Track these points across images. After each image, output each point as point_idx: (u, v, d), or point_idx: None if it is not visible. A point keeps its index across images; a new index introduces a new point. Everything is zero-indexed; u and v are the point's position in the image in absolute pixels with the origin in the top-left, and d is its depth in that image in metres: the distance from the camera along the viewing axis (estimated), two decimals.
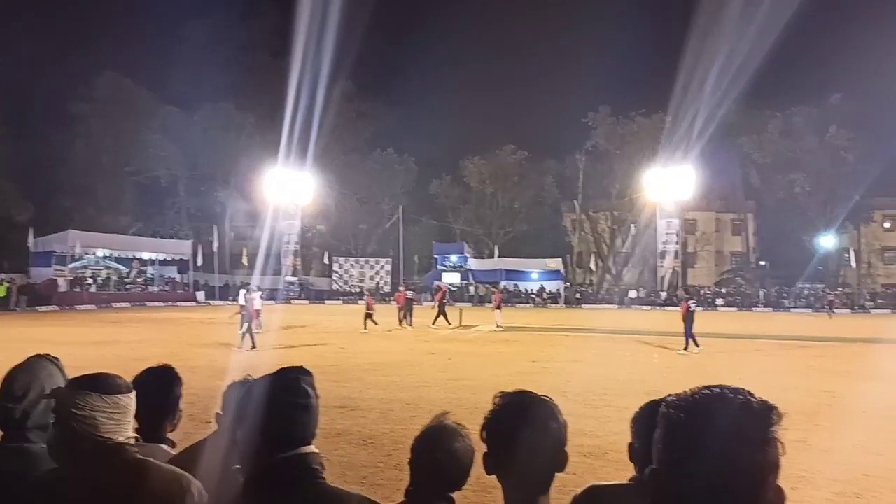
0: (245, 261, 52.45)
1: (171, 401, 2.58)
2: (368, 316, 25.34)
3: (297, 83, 41.98)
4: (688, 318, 18.72)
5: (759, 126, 55.41)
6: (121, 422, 1.95)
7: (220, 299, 47.88)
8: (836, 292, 49.63)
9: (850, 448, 7.44)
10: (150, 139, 54.09)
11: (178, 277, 51.20)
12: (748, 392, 1.14)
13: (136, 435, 2.02)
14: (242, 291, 21.53)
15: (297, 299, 51.78)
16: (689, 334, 18.53)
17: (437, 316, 27.61)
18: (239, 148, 58.00)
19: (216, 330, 24.35)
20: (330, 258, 57.77)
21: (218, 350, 17.72)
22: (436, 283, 47.18)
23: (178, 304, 45.36)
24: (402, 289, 30.29)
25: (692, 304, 19.43)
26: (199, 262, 49.67)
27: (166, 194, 58.08)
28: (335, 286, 56.42)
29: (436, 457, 2.00)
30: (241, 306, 20.51)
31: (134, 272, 48.45)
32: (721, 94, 43.74)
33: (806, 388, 12.35)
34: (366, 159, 62.09)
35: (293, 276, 54.58)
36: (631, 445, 2.03)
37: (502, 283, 55.47)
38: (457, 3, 73.11)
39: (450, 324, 27.11)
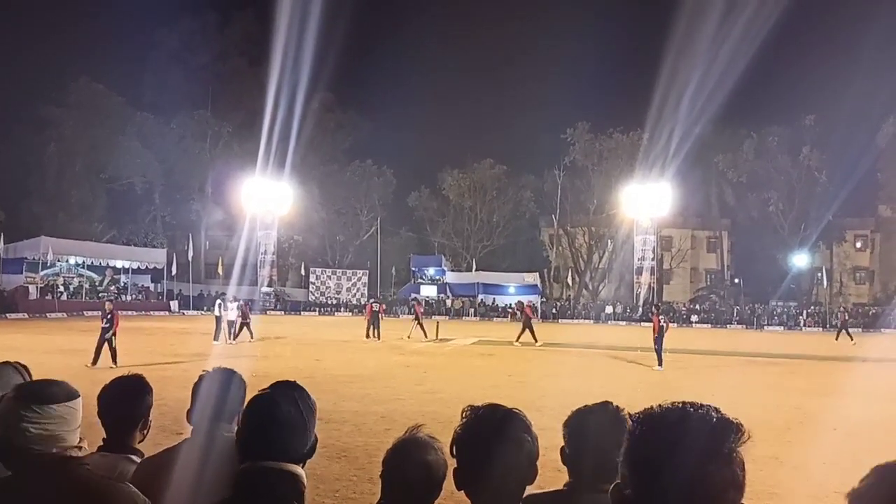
0: (220, 270, 51.96)
1: (141, 410, 2.52)
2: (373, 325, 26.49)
3: (276, 92, 41.94)
4: (658, 334, 18.81)
5: (734, 145, 56.35)
6: (56, 432, 1.87)
7: (195, 309, 47.32)
8: (808, 310, 50.13)
9: (820, 464, 7.51)
10: (124, 146, 53.45)
11: (151, 286, 50.57)
12: (712, 408, 1.15)
13: (79, 445, 1.94)
14: (218, 301, 21.44)
15: (273, 310, 51.35)
16: (658, 351, 18.63)
17: (413, 328, 27.60)
18: (215, 156, 57.61)
19: (190, 340, 24.03)
20: (307, 269, 57.44)
21: (191, 361, 17.49)
22: (413, 295, 47.09)
23: (151, 313, 44.76)
24: (371, 301, 30.26)
25: (662, 319, 19.52)
26: (174, 271, 49.12)
27: (141, 202, 57.39)
28: (312, 297, 56.06)
29: (407, 470, 1.97)
30: (217, 317, 20.46)
31: (107, 280, 47.72)
32: (697, 113, 44.51)
33: (777, 404, 12.47)
34: (344, 170, 61.98)
35: (269, 286, 54.16)
36: (562, 450, 2.01)
37: (480, 297, 55.60)
38: (437, 17, 73.45)
39: (426, 337, 27.05)
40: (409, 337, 26.87)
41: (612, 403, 2.04)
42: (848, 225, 60.88)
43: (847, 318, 38.76)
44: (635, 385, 15.18)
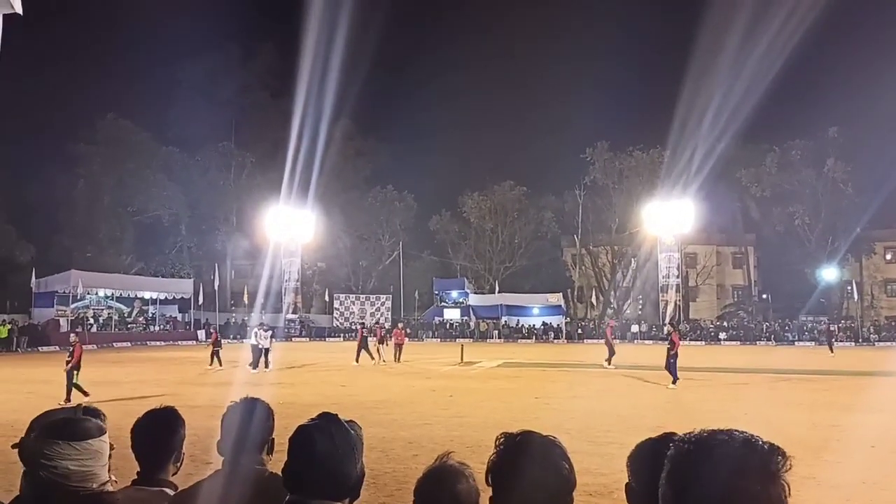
0: (246, 298, 52.39)
1: (174, 443, 2.51)
2: (397, 347, 27.12)
3: (299, 123, 42.52)
4: (672, 351, 18.60)
5: (756, 160, 55.86)
6: (93, 468, 1.87)
7: (222, 338, 47.64)
8: (839, 324, 49.29)
9: (858, 484, 7.33)
10: (151, 179, 54.49)
11: (179, 316, 51.04)
12: (756, 434, 1.17)
13: (111, 479, 1.94)
14: (255, 330, 22.88)
15: (298, 336, 51.57)
16: (672, 368, 18.42)
17: (396, 352, 27.40)
18: (240, 187, 58.43)
19: (217, 369, 24.18)
20: (330, 295, 57.71)
21: (218, 389, 17.59)
22: (361, 320, 46.16)
23: (179, 342, 45.15)
24: (361, 325, 30.69)
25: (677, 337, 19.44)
26: (201, 300, 49.61)
27: (167, 233, 58.26)
28: (336, 323, 56.25)
29: (440, 500, 1.96)
30: (253, 345, 21.21)
31: (135, 311, 48.35)
32: (719, 129, 44.19)
33: (812, 422, 12.22)
34: (365, 196, 62.48)
35: (294, 313, 54.44)
36: (628, 486, 1.94)
37: (504, 319, 55.35)
38: (455, 42, 74.34)
39: (384, 361, 26.66)
40: (381, 362, 26.47)
41: (674, 433, 1.98)
42: (877, 237, 59.81)
43: (835, 330, 42.55)
44: (664, 405, 14.97)
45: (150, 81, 63.89)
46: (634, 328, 52.93)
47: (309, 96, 40.66)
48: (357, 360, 26.01)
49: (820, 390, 18.06)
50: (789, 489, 1.13)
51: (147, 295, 49.07)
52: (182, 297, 49.89)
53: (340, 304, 57.51)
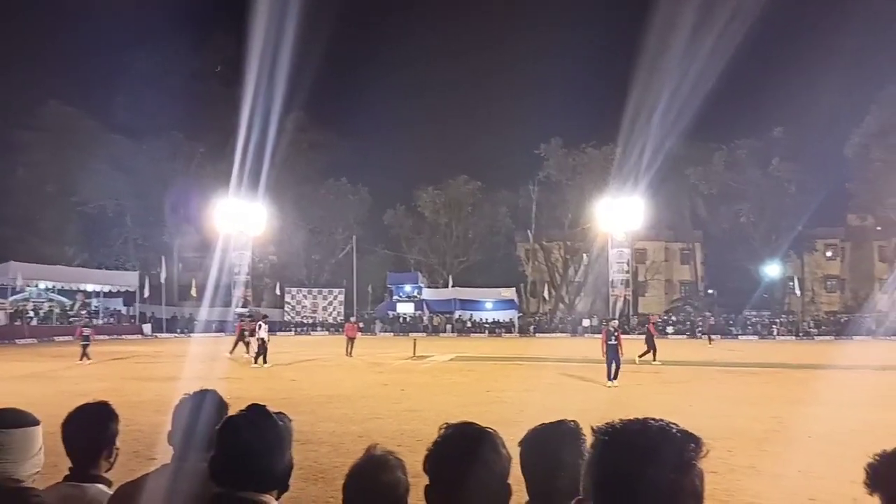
0: (194, 292, 51.37)
1: (105, 438, 2.47)
2: (349, 341, 26.90)
3: (250, 112, 41.70)
4: (609, 348, 17.73)
5: (705, 158, 57.21)
6: (16, 461, 1.80)
7: (168, 332, 46.66)
8: (709, 317, 51.03)
9: (796, 473, 7.56)
10: (96, 169, 52.80)
11: (123, 310, 49.79)
12: (672, 422, 1.19)
13: (37, 471, 1.87)
14: (259, 323, 23.95)
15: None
16: (615, 364, 17.61)
17: (235, 345, 26.95)
18: (188, 177, 57.12)
19: (163, 363, 23.69)
20: (282, 289, 57.02)
21: (165, 384, 17.21)
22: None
23: (123, 337, 44.04)
24: (241, 321, 29.94)
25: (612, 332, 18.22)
26: (146, 293, 48.45)
27: (113, 225, 56.64)
28: (287, 317, 55.61)
29: (366, 491, 1.96)
30: (261, 339, 23.09)
31: (78, 305, 46.95)
32: (668, 128, 45.10)
33: (755, 414, 12.56)
34: (319, 189, 61.80)
35: (244, 307, 53.61)
36: (521, 469, 2.00)
37: (457, 313, 55.52)
38: (411, 36, 74.01)
39: (248, 354, 26.25)
40: (241, 357, 26.07)
41: (568, 420, 2.03)
42: (818, 234, 61.91)
43: (713, 322, 45.59)
44: (613, 398, 15.22)
45: (96, 67, 61.89)
46: (585, 322, 53.66)
47: (260, 86, 39.96)
48: (231, 352, 26.10)
49: (762, 383, 18.59)
50: (703, 476, 1.15)
51: (90, 288, 47.71)
52: (127, 290, 48.69)
53: (292, 298, 56.86)
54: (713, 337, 39.25)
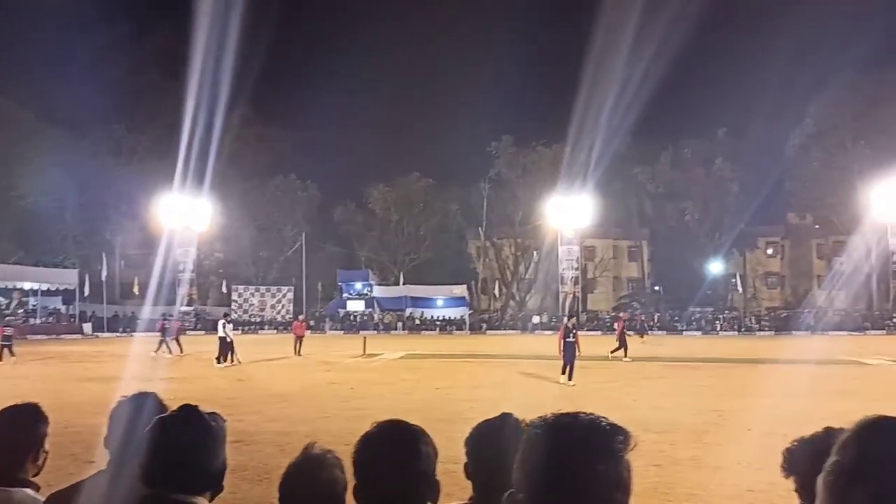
0: (136, 290, 50.09)
1: (32, 441, 2.39)
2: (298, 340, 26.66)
3: (194, 106, 40.72)
4: (567, 345, 17.26)
5: (651, 158, 58.41)
6: None
7: (109, 331, 45.40)
8: (640, 314, 52.66)
9: (735, 465, 7.75)
10: (34, 162, 50.89)
11: (63, 308, 48.25)
12: (601, 416, 1.22)
13: None
14: (221, 322, 23.51)
15: (193, 330, 49.79)
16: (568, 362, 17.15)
17: (297, 345, 27.07)
18: (130, 172, 55.54)
19: (104, 363, 23.02)
20: (228, 287, 55.99)
21: (105, 385, 16.72)
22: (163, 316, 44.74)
23: (62, 336, 42.65)
24: (163, 318, 29.81)
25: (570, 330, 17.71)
26: (87, 292, 47.02)
27: (51, 221, 54.63)
28: (234, 315, 54.61)
29: (302, 490, 1.93)
30: (221, 337, 22.61)
31: (14, 303, 45.28)
32: (615, 127, 45.92)
33: (697, 407, 12.86)
34: (266, 185, 60.80)
35: (188, 305, 52.53)
36: (465, 466, 2.02)
37: (408, 310, 55.44)
38: (362, 31, 73.52)
39: (171, 353, 26.37)
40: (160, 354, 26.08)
41: (512, 415, 2.03)
42: (759, 232, 63.79)
43: (646, 320, 47.69)
44: (561, 394, 15.38)
45: (34, 57, 59.49)
46: (536, 319, 54.20)
47: (205, 78, 39.04)
48: (157, 351, 26.04)
49: (705, 377, 19.06)
50: (631, 468, 1.18)
51: (27, 285, 46.12)
52: (66, 289, 47.19)
53: (239, 297, 55.89)
54: (646, 333, 40.66)
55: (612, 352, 24.70)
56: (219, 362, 22.43)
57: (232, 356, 22.74)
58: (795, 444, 1.55)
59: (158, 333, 27.40)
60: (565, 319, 20.60)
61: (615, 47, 41.72)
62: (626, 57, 42.18)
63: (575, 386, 16.49)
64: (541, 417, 1.26)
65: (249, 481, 7.30)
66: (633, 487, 1.20)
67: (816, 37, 51.17)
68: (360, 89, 71.23)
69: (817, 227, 62.30)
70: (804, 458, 1.25)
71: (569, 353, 17.09)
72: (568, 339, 17.27)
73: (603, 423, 1.20)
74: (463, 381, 18.26)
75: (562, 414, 1.24)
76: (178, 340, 27.21)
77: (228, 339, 22.85)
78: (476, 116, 61.23)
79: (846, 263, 51.48)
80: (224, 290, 56.44)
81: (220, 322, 23.88)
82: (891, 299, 50.25)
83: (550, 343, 30.81)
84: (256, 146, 60.34)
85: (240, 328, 50.85)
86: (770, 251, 67.04)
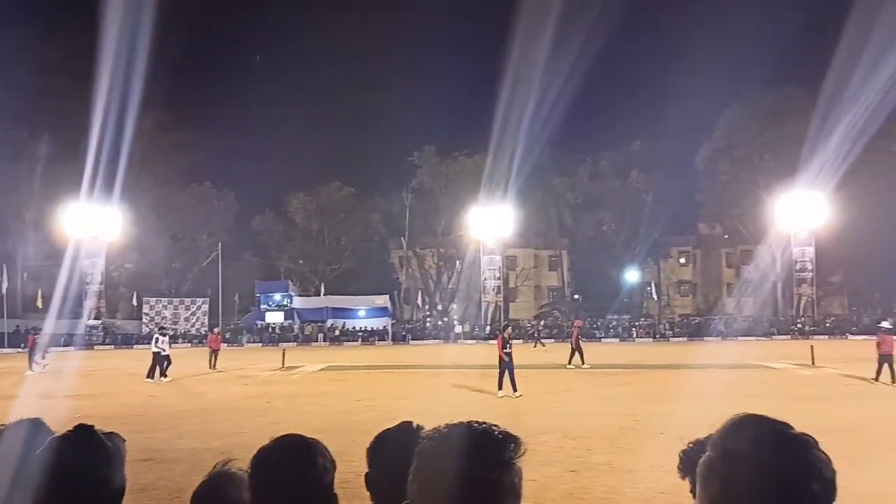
0: (40, 303, 47.49)
1: None
2: (213, 353, 25.73)
3: (104, 109, 38.99)
4: (506, 356, 16.85)
5: (570, 169, 60.00)
6: None
7: (10, 346, 42.86)
8: (537, 323, 54.63)
9: (648, 468, 7.90)
10: None
11: None
12: (494, 424, 1.26)
13: None
14: (156, 336, 22.96)
15: (101, 344, 47.62)
16: (505, 375, 16.75)
17: (212, 359, 26.14)
18: (34, 179, 52.75)
19: (1, 381, 21.67)
20: (139, 299, 53.80)
21: (2, 403, 15.71)
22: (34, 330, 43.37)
23: None
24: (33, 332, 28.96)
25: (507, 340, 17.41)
26: None
27: None
28: (145, 329, 52.48)
29: None
30: (154, 352, 21.89)
31: None
32: (535, 138, 46.94)
33: (613, 412, 13.13)
34: (181, 193, 58.82)
35: (96, 318, 50.20)
36: (367, 476, 1.98)
37: (329, 322, 54.66)
38: (284, 39, 72.40)
39: (42, 369, 25.44)
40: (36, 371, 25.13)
41: (413, 423, 1.98)
42: (672, 242, 66.24)
43: (541, 328, 49.85)
44: (485, 403, 15.41)
45: None
46: (458, 328, 54.41)
47: (116, 80, 37.47)
48: (31, 368, 25.05)
49: (623, 383, 19.52)
50: (521, 474, 1.22)
51: None
52: None
53: (151, 309, 53.72)
54: (544, 341, 42.49)
55: (569, 360, 24.71)
56: (150, 377, 21.66)
57: (164, 371, 21.95)
58: (690, 445, 1.56)
59: (27, 350, 26.21)
60: (502, 329, 19.64)
61: (534, 61, 42.74)
62: (544, 70, 43.31)
63: (521, 396, 15.95)
64: (434, 428, 1.28)
65: (159, 501, 7.08)
66: (550, 493, 1.17)
67: (725, 55, 53.73)
68: (280, 97, 70.12)
69: (726, 237, 65.14)
70: (696, 460, 1.26)
71: (506, 364, 16.64)
72: (506, 350, 16.81)
73: (496, 432, 1.23)
74: (385, 392, 18.07)
75: (455, 424, 1.26)
76: (43, 355, 25.90)
77: (164, 354, 22.14)
78: (398, 126, 61.42)
79: (753, 272, 54.07)
80: (135, 302, 54.20)
81: (155, 336, 23.43)
82: (794, 306, 52.97)
83: (473, 352, 31.04)
84: (171, 152, 58.31)
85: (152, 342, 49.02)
86: (682, 260, 69.62)
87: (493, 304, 55.51)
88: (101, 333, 49.73)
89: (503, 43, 44.36)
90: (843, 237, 48.75)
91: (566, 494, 6.83)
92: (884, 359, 18.05)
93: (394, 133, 62.02)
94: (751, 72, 50.66)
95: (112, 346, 47.49)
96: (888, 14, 37.60)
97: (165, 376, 21.84)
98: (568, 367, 24.43)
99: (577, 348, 24.90)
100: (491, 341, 41.95)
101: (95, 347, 45.29)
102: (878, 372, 18.12)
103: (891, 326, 21.27)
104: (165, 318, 52.96)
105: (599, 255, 61.33)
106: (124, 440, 1.81)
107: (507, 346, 16.96)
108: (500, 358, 16.78)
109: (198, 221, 58.99)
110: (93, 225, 48.50)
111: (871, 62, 39.52)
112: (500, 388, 16.42)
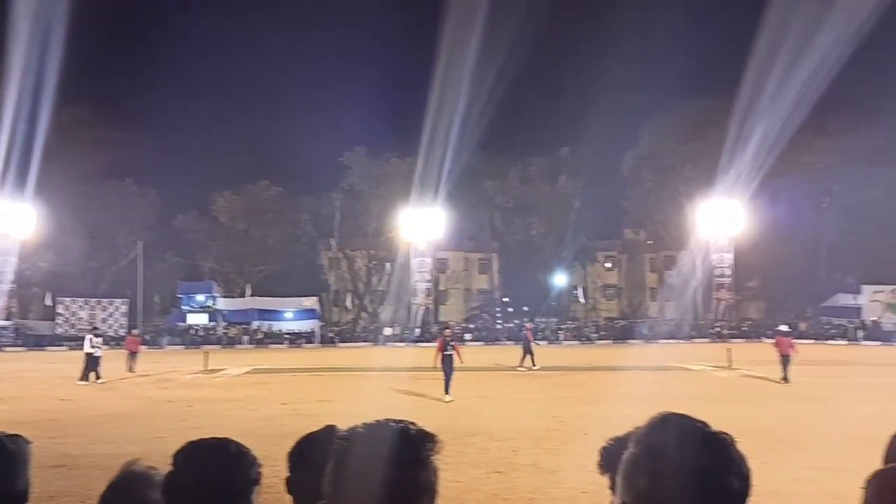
0: None
1: None
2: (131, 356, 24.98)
3: (16, 102, 37.06)
4: (445, 358, 16.89)
5: (501, 173, 60.73)
6: None
7: None
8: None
9: (572, 468, 8.06)
10: None
11: None
12: (410, 422, 1.27)
13: None
14: (88, 337, 22.35)
15: (12, 346, 45.34)
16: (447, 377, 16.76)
17: (130, 362, 25.25)
18: None
19: None
20: (53, 299, 51.39)
21: None
22: None
23: None
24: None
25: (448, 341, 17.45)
26: None
27: None
28: (59, 330, 50.16)
29: None
30: (87, 353, 21.36)
31: None
32: (466, 141, 47.38)
33: (539, 414, 13.33)
34: (100, 190, 56.41)
35: (7, 319, 47.79)
36: (287, 480, 1.98)
37: (255, 324, 53.54)
38: (211, 33, 70.60)
39: None
40: None
41: (336, 427, 1.96)
42: (599, 247, 67.90)
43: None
44: (411, 404, 15.39)
45: None
46: (388, 331, 54.18)
47: (28, 73, 35.72)
48: None
49: (549, 385, 19.86)
50: (437, 472, 1.24)
51: None
52: None
53: (66, 310, 51.37)
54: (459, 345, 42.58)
55: (521, 361, 24.92)
56: (84, 380, 20.95)
57: (97, 373, 21.35)
58: (610, 442, 1.64)
59: None
60: (442, 330, 19.56)
61: (464, 64, 43.19)
62: (474, 74, 43.81)
63: (453, 401, 15.77)
64: (351, 428, 1.28)
65: None
66: (475, 495, 1.18)
67: (651, 65, 55.53)
68: (206, 93, 68.13)
69: (650, 242, 67.13)
70: (616, 456, 1.31)
71: (447, 366, 16.56)
72: (446, 352, 16.72)
73: (412, 431, 1.24)
74: (312, 395, 17.83)
75: (371, 423, 1.26)
76: None
77: (97, 355, 21.55)
78: (329, 126, 60.89)
79: (676, 277, 55.96)
80: (49, 302, 51.73)
81: (88, 337, 22.72)
82: (714, 310, 55.08)
83: (403, 355, 30.99)
84: (91, 148, 55.83)
85: (66, 344, 46.95)
86: (608, 264, 71.37)
87: (424, 307, 55.57)
88: (12, 335, 47.36)
89: (434, 45, 44.58)
90: (760, 244, 50.96)
91: (491, 495, 6.90)
92: (785, 359, 19.32)
93: (324, 133, 61.32)
94: (675, 83, 52.40)
95: (24, 348, 45.27)
96: (795, 30, 39.75)
97: (99, 378, 21.27)
98: (519, 368, 24.73)
99: (528, 350, 25.23)
100: (421, 344, 42.03)
101: (6, 349, 43.14)
102: (785, 372, 19.32)
103: (788, 329, 22.65)
104: (81, 318, 50.72)
105: (528, 258, 62.22)
106: (29, 443, 1.76)
107: (448, 347, 16.90)
108: (440, 360, 16.72)
109: (117, 220, 56.63)
110: (3, 222, 46.17)
111: (782, 75, 41.63)
112: (446, 391, 16.27)
